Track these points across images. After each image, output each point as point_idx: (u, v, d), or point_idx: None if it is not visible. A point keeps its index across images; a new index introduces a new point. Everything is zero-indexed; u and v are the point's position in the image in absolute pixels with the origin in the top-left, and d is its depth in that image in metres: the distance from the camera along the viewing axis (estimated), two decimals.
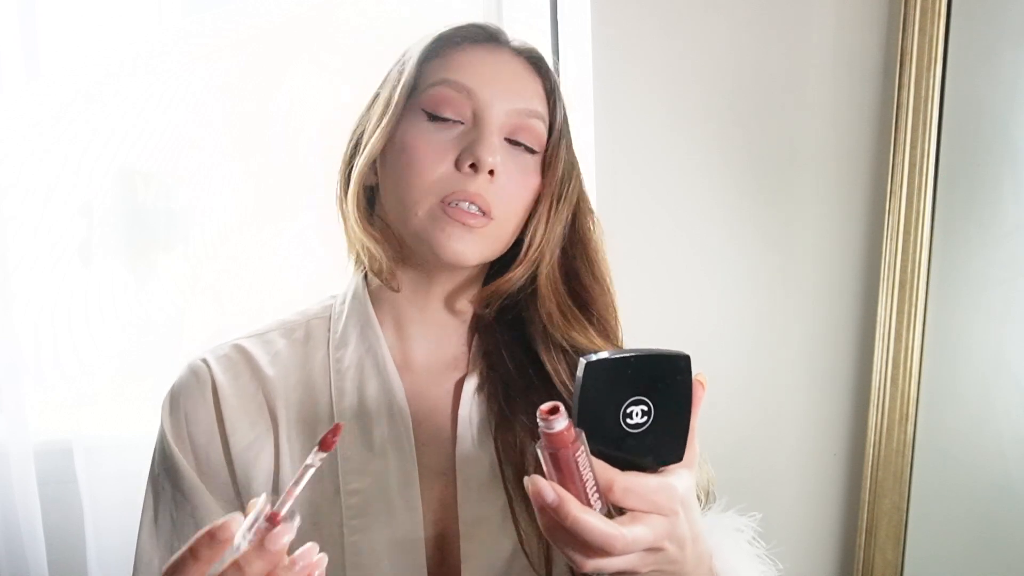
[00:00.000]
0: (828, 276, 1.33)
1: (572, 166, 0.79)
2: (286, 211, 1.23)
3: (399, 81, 0.75)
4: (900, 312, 1.24)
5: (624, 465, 0.54)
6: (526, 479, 0.52)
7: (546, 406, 0.50)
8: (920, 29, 1.20)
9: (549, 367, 0.78)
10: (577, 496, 0.52)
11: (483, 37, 0.77)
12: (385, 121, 0.74)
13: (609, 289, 0.82)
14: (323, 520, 0.73)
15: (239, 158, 1.23)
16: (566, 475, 0.52)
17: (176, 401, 0.77)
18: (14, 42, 1.14)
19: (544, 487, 0.51)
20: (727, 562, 0.65)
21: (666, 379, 0.55)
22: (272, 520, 0.49)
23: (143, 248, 1.23)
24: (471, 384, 0.79)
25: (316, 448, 0.52)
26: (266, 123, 1.23)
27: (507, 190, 0.74)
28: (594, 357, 0.53)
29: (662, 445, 0.56)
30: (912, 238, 1.23)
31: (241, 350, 0.79)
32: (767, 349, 1.33)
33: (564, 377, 0.78)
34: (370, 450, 0.74)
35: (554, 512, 0.51)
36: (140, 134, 1.19)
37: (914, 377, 1.24)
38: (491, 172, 0.72)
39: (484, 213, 0.72)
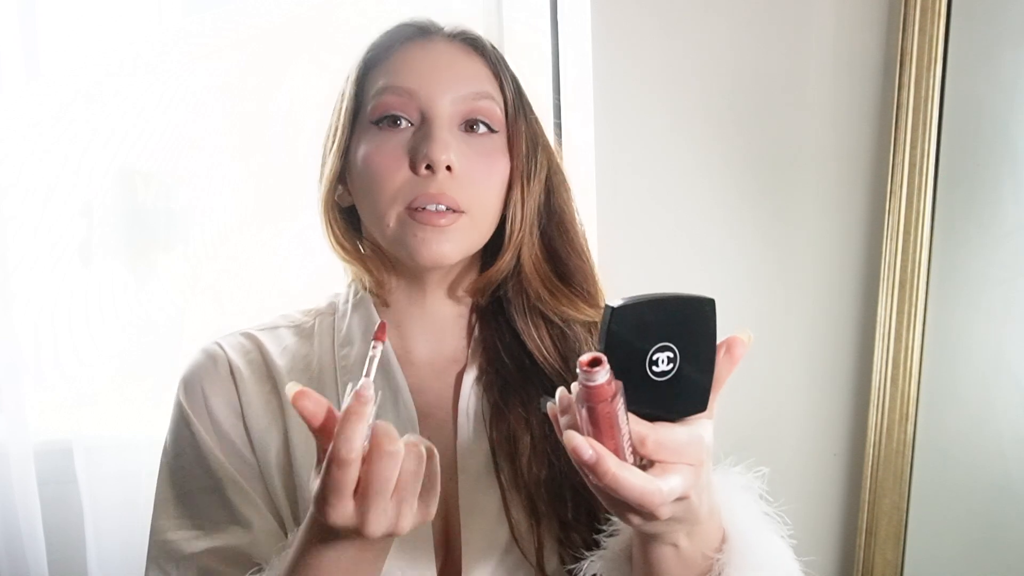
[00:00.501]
0: (828, 276, 1.33)
1: (536, 140, 0.79)
2: (286, 211, 1.23)
3: (343, 101, 0.76)
4: (900, 312, 1.24)
5: (648, 417, 0.52)
6: (565, 435, 0.50)
7: (586, 357, 0.47)
8: (920, 29, 1.20)
9: (531, 345, 0.79)
10: (615, 452, 0.49)
11: (414, 33, 0.77)
12: (336, 143, 0.75)
13: (588, 259, 0.82)
14: None
15: (239, 158, 1.23)
16: (603, 430, 0.49)
17: (194, 383, 0.77)
18: (14, 42, 1.14)
19: (580, 444, 0.49)
20: (735, 520, 0.65)
21: (693, 324, 0.52)
22: (360, 397, 0.53)
23: (143, 248, 1.23)
24: (470, 376, 0.80)
25: (372, 342, 0.58)
26: (266, 123, 1.23)
27: (472, 180, 0.73)
28: (619, 302, 0.50)
29: (688, 394, 0.53)
30: (912, 238, 1.22)
31: (252, 338, 0.81)
32: (767, 349, 1.33)
33: (546, 352, 0.78)
34: None
35: (591, 470, 0.49)
36: (140, 134, 1.19)
37: (914, 377, 1.24)
38: (448, 168, 0.72)
39: (453, 209, 0.72)
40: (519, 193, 0.77)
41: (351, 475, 0.52)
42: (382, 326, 0.59)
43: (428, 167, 0.71)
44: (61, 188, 1.17)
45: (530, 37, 1.30)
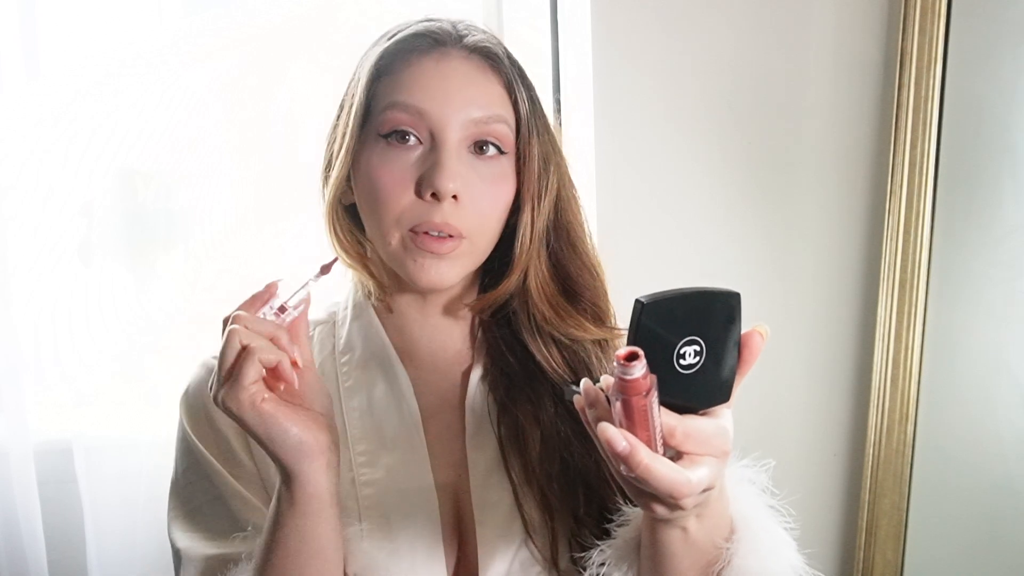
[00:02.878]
0: (828, 276, 1.33)
1: (548, 157, 0.77)
2: (286, 211, 1.23)
3: (352, 105, 0.74)
4: (900, 312, 1.24)
5: (674, 408, 0.53)
6: (599, 427, 0.50)
7: (623, 352, 0.48)
8: (920, 29, 1.20)
9: (540, 358, 0.78)
10: (647, 443, 0.51)
11: (429, 45, 0.73)
12: (344, 148, 0.73)
13: (597, 273, 0.81)
14: (345, 510, 0.73)
15: (239, 158, 1.23)
16: (637, 422, 0.50)
17: (195, 398, 0.78)
18: (14, 42, 1.14)
19: (615, 436, 0.50)
20: (742, 510, 0.66)
21: (719, 317, 0.53)
22: (282, 309, 0.66)
23: (143, 248, 1.23)
24: (476, 374, 0.80)
25: (317, 272, 0.68)
26: (266, 123, 1.23)
27: (476, 207, 0.72)
28: (648, 298, 0.51)
29: (712, 386, 0.55)
30: (912, 238, 1.23)
31: None
32: (767, 349, 1.33)
33: (555, 366, 0.78)
34: (382, 445, 0.76)
35: (625, 460, 0.50)
36: (140, 134, 1.19)
37: (914, 377, 1.24)
38: (454, 197, 0.70)
39: (454, 236, 0.71)
40: (529, 215, 0.75)
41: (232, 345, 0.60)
42: (333, 262, 0.70)
43: (433, 195, 0.70)
44: (61, 188, 1.17)
45: (530, 37, 1.30)
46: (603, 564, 0.68)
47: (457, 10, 1.21)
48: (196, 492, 0.76)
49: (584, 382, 0.56)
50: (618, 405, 0.50)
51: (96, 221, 1.19)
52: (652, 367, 0.50)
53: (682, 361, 0.52)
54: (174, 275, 1.23)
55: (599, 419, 0.52)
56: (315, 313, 0.86)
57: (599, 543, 0.69)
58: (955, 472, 1.22)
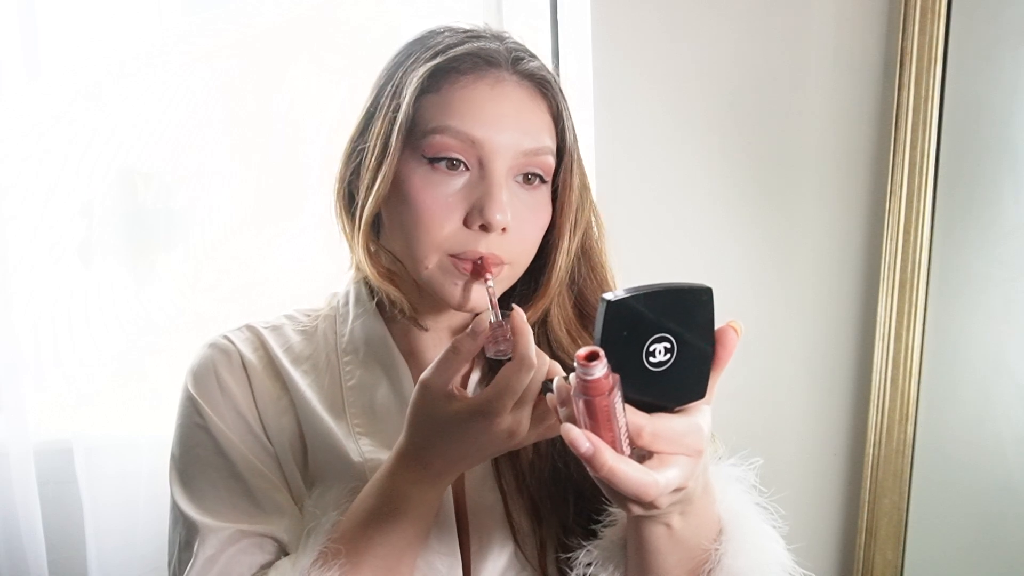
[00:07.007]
0: (828, 276, 1.33)
1: (584, 188, 0.77)
2: (286, 211, 1.23)
3: (395, 119, 0.70)
4: (900, 312, 1.24)
5: (646, 406, 0.52)
6: (562, 428, 0.50)
7: (583, 351, 0.47)
8: (920, 29, 1.20)
9: None
10: (612, 444, 0.50)
11: (483, 65, 0.71)
12: (388, 163, 0.71)
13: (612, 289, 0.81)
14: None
15: (239, 158, 1.23)
16: (600, 423, 0.49)
17: (206, 373, 0.77)
18: (14, 42, 1.15)
19: (578, 437, 0.49)
20: (730, 509, 0.65)
21: (689, 314, 0.52)
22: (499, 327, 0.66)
23: (143, 248, 1.23)
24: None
25: (487, 278, 0.70)
26: (266, 123, 1.23)
27: (520, 235, 0.72)
28: (615, 296, 0.49)
29: (685, 383, 0.54)
30: (912, 238, 1.23)
31: (257, 332, 0.81)
32: (767, 349, 1.33)
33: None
34: (385, 444, 0.75)
35: (588, 462, 0.50)
36: (140, 134, 1.19)
37: (914, 377, 1.24)
38: (503, 228, 0.70)
39: (497, 263, 0.71)
40: (566, 245, 0.75)
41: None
42: (486, 259, 0.69)
43: (482, 226, 0.69)
44: (61, 188, 1.17)
45: (530, 37, 1.29)
46: (590, 564, 0.68)
47: (457, 10, 1.22)
48: (207, 468, 0.74)
49: (557, 381, 0.55)
50: (581, 405, 0.49)
51: (96, 221, 1.19)
52: (620, 366, 0.49)
53: (652, 359, 0.51)
54: (174, 275, 1.23)
55: (568, 419, 0.52)
56: (316, 304, 0.86)
57: (585, 543, 0.69)
58: (955, 472, 1.22)
